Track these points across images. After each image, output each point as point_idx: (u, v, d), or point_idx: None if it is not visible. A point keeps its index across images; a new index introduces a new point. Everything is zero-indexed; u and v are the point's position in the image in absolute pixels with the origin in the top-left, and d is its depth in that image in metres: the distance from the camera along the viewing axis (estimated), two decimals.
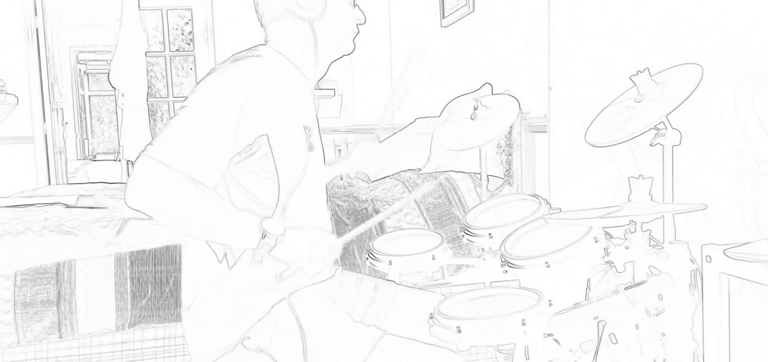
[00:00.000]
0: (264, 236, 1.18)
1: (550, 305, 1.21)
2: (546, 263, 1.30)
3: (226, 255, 1.25)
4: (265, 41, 1.36)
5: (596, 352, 1.21)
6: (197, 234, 1.21)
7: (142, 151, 1.16)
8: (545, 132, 2.10)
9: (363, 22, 1.39)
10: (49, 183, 3.78)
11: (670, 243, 1.34)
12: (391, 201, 2.01)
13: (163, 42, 4.69)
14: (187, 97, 1.23)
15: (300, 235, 1.21)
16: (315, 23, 1.32)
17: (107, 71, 4.60)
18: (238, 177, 1.25)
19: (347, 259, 1.89)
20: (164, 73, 4.77)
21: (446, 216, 2.02)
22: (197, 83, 1.24)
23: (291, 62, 1.32)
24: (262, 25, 1.37)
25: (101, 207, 2.00)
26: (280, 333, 1.23)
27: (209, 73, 1.24)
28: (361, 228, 1.31)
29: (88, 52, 5.94)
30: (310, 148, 1.33)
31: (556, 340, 1.21)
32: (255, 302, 1.26)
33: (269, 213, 1.27)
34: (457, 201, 2.08)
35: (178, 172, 1.14)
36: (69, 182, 4.22)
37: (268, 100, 1.24)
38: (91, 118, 6.46)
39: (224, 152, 1.20)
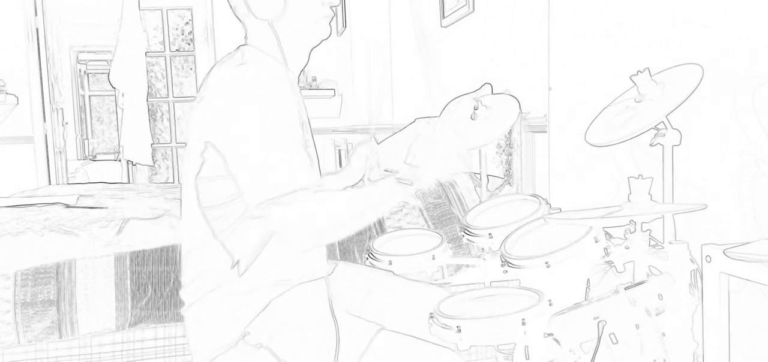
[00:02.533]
0: (367, 165, 1.25)
1: (550, 305, 1.21)
2: (546, 263, 1.30)
3: (238, 261, 1.25)
4: (245, 39, 1.34)
5: (596, 352, 1.21)
6: (357, 228, 1.24)
7: (251, 215, 1.18)
8: (545, 132, 2.10)
9: (337, 3, 1.35)
10: (50, 183, 3.78)
11: (670, 243, 1.34)
12: None
13: (163, 42, 4.69)
14: (207, 131, 1.21)
15: (428, 149, 1.27)
16: (275, 23, 1.29)
17: (107, 71, 4.60)
18: None
19: (347, 259, 1.89)
20: (164, 73, 4.77)
21: (446, 216, 2.02)
22: (209, 113, 1.21)
23: (273, 58, 1.30)
24: (238, 19, 1.36)
25: (101, 207, 2.00)
26: (280, 329, 1.24)
27: (224, 93, 1.21)
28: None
29: (88, 52, 5.94)
30: (305, 144, 1.33)
31: (556, 340, 1.21)
32: (256, 299, 1.27)
33: None
34: (457, 201, 2.08)
35: (295, 195, 1.16)
36: (69, 182, 4.22)
37: (273, 101, 1.24)
38: (91, 118, 6.46)
39: (298, 145, 1.21)
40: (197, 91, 1.31)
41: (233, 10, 1.33)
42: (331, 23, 1.36)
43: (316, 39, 1.35)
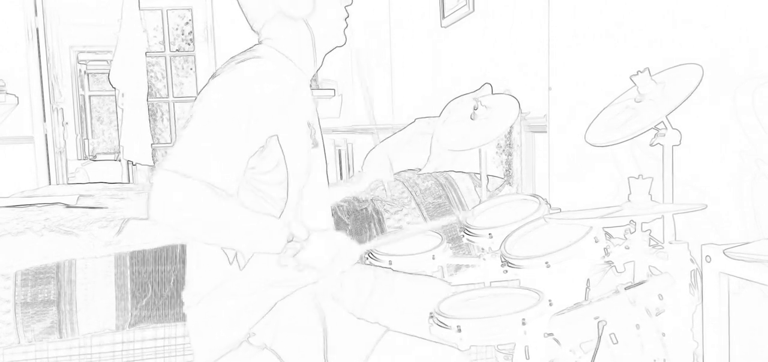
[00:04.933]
0: (290, 240, 1.18)
1: (550, 305, 1.21)
2: (546, 263, 1.30)
3: (236, 255, 1.25)
4: (260, 41, 1.36)
5: (596, 352, 1.21)
6: (223, 242, 1.21)
7: (159, 165, 1.14)
8: (545, 132, 2.10)
9: (349, 3, 1.39)
10: (50, 183, 3.78)
11: (670, 243, 1.34)
12: (392, 201, 2.02)
13: (163, 42, 4.69)
14: (192, 105, 1.22)
15: (324, 240, 1.22)
16: (309, 20, 1.33)
17: (107, 71, 4.60)
18: (253, 183, 1.26)
19: None
20: (164, 73, 4.77)
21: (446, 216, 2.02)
22: (201, 90, 1.23)
23: (289, 59, 1.32)
24: (254, 31, 1.37)
25: (101, 207, 2.00)
26: (284, 330, 1.24)
27: (212, 79, 1.23)
28: (382, 240, 1.34)
29: (88, 52, 5.94)
30: (315, 145, 1.34)
31: (556, 340, 1.21)
32: (260, 300, 1.26)
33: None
34: (457, 201, 2.08)
35: (199, 181, 1.13)
36: (69, 182, 4.22)
37: (274, 100, 1.24)
38: (91, 118, 6.46)
39: (238, 156, 1.19)
40: (197, 91, 1.32)
41: (250, 17, 1.35)
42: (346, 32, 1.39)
43: (333, 43, 1.38)
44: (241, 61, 1.25)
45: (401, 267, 1.52)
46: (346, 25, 1.38)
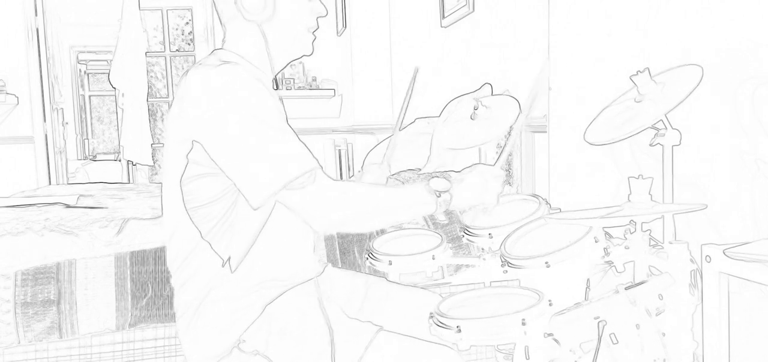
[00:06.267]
0: (439, 196, 1.27)
1: (550, 305, 1.21)
2: (546, 263, 1.30)
3: (229, 258, 1.24)
4: (223, 43, 1.33)
5: (596, 352, 1.21)
6: (384, 224, 1.33)
7: (282, 193, 1.18)
8: (545, 132, 2.10)
9: (324, 14, 1.35)
10: (50, 183, 3.79)
11: (670, 243, 1.34)
12: None
13: (164, 42, 4.70)
14: (212, 132, 1.17)
15: (470, 182, 1.31)
16: (264, 25, 1.28)
17: (107, 71, 4.60)
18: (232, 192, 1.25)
19: (347, 259, 1.89)
20: (164, 73, 4.77)
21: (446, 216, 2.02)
22: (195, 112, 1.18)
23: (248, 62, 1.29)
24: (222, 24, 1.35)
25: (101, 207, 2.00)
26: (276, 335, 1.23)
27: (210, 93, 1.18)
28: (508, 148, 1.41)
29: (89, 52, 5.95)
30: None
31: (556, 340, 1.21)
32: (251, 304, 1.26)
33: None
34: None
35: (338, 181, 1.23)
36: (69, 182, 4.22)
37: (262, 92, 1.23)
38: (91, 118, 6.46)
39: (292, 132, 1.23)
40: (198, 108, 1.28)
41: (219, 13, 1.34)
42: (314, 43, 1.37)
43: (298, 52, 1.34)
44: (221, 64, 1.20)
45: (401, 266, 1.52)
46: (314, 38, 1.35)
